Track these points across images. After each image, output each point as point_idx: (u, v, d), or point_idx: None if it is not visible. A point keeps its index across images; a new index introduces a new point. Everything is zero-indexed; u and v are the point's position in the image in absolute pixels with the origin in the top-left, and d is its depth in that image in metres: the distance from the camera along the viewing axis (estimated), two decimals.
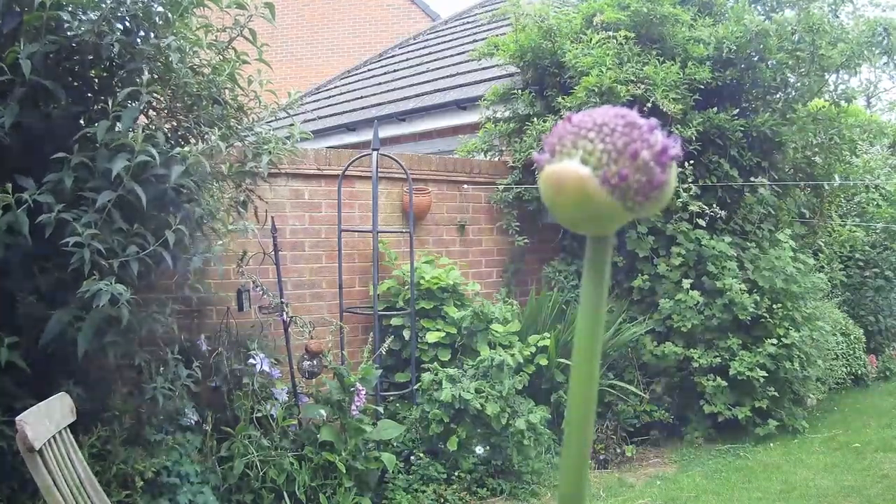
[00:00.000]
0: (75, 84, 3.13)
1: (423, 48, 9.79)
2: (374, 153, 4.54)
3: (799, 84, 5.72)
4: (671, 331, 5.16)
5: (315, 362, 4.17)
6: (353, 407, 3.88)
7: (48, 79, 2.82)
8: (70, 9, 2.90)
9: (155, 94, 3.13)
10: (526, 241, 5.46)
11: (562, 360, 4.72)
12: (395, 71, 9.29)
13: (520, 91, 5.68)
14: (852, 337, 6.71)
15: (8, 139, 2.75)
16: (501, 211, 5.52)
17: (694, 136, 5.07)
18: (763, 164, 5.63)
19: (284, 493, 3.58)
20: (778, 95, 5.80)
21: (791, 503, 4.12)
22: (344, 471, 3.75)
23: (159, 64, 3.10)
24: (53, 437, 2.30)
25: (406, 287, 4.65)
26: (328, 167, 4.69)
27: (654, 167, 0.44)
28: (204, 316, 4.13)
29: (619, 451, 4.85)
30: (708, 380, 5.05)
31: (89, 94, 3.18)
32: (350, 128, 7.96)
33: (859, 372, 6.75)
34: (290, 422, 3.88)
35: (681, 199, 5.04)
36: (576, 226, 0.46)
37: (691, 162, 5.08)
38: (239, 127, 3.50)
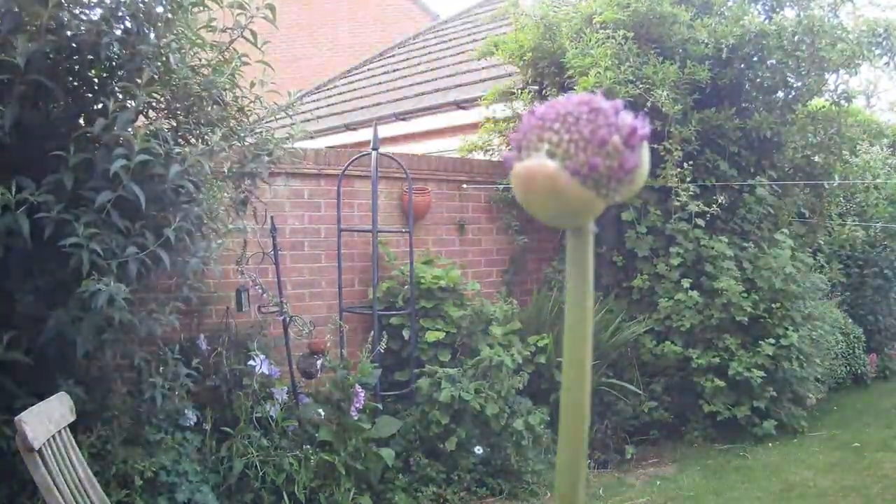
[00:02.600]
0: (75, 84, 3.13)
1: (422, 48, 9.79)
2: (374, 153, 4.54)
3: (798, 84, 5.71)
4: (670, 330, 5.16)
5: (315, 362, 4.17)
6: (353, 407, 3.88)
7: (48, 78, 2.82)
8: (70, 8, 2.90)
9: (154, 95, 3.13)
10: (526, 240, 5.46)
11: (561, 360, 4.71)
12: (394, 70, 9.29)
13: (519, 91, 5.68)
14: (852, 336, 6.71)
15: (8, 139, 2.76)
16: (501, 210, 5.52)
17: (693, 136, 5.07)
18: (762, 163, 5.62)
19: (284, 492, 3.58)
20: (777, 95, 5.80)
21: (791, 503, 4.13)
22: (343, 471, 3.75)
23: (159, 64, 3.10)
24: (53, 436, 2.30)
25: (405, 286, 4.65)
26: (328, 167, 4.69)
27: (624, 150, 0.43)
28: (203, 315, 4.12)
29: (618, 450, 4.85)
30: (707, 379, 5.05)
31: (89, 94, 3.17)
32: (350, 127, 7.96)
33: (859, 371, 6.75)
34: (290, 422, 3.88)
35: (680, 199, 5.04)
36: (553, 220, 0.46)
37: (690, 162, 5.08)
38: (239, 128, 3.50)
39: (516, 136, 0.45)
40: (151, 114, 3.28)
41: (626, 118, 0.44)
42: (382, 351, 4.28)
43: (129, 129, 2.81)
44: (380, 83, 9.01)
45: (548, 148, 0.43)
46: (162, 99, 3.25)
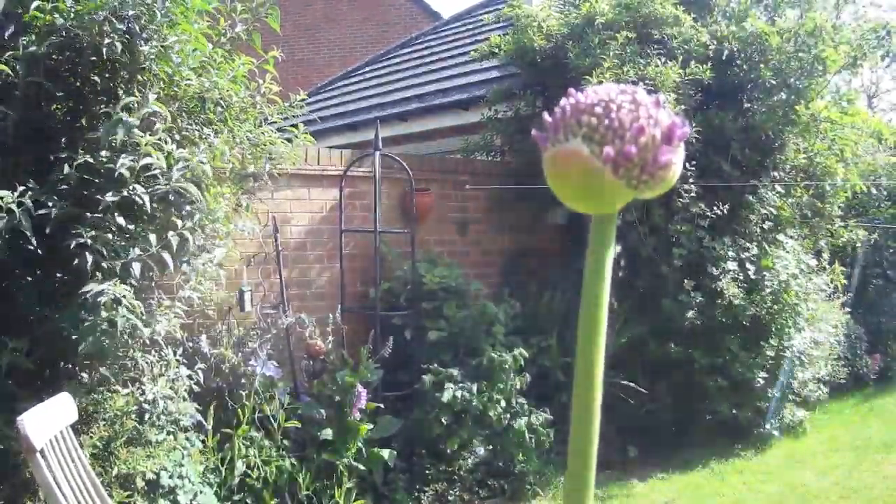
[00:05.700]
0: (77, 84, 3.13)
1: (424, 48, 9.79)
2: (376, 153, 4.54)
3: (800, 85, 5.71)
4: (672, 331, 5.15)
5: (316, 362, 4.17)
6: (355, 407, 3.88)
7: (50, 80, 2.82)
8: (72, 8, 2.90)
9: (157, 96, 3.13)
10: (528, 241, 5.45)
11: (564, 360, 4.72)
12: (396, 71, 9.29)
13: (521, 91, 5.68)
14: (853, 337, 6.71)
15: (11, 140, 2.76)
16: (503, 211, 5.51)
17: (695, 138, 5.06)
18: (765, 164, 5.62)
19: (286, 493, 3.59)
20: (779, 96, 5.80)
21: (792, 503, 4.13)
22: (345, 471, 3.75)
23: (162, 65, 3.10)
24: (55, 437, 2.31)
25: (407, 287, 4.65)
26: (330, 167, 4.69)
27: (661, 145, 0.43)
28: (205, 316, 4.13)
29: (620, 450, 4.85)
30: (709, 380, 5.04)
31: (91, 96, 3.18)
32: (352, 128, 7.96)
33: (861, 372, 6.75)
34: (292, 423, 3.87)
35: (682, 200, 5.04)
36: (579, 205, 0.46)
37: (693, 163, 5.08)
38: (241, 129, 3.50)
39: (554, 119, 0.45)
40: (154, 116, 3.28)
41: (667, 114, 0.44)
42: (386, 353, 4.27)
43: (133, 132, 2.81)
44: (381, 84, 9.01)
45: (585, 132, 0.43)
46: (164, 101, 3.25)
